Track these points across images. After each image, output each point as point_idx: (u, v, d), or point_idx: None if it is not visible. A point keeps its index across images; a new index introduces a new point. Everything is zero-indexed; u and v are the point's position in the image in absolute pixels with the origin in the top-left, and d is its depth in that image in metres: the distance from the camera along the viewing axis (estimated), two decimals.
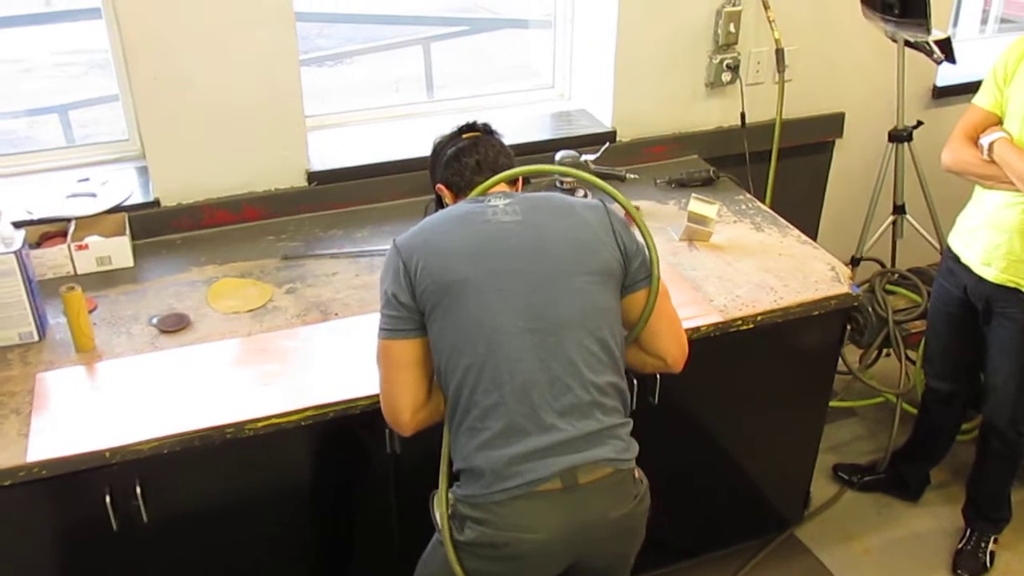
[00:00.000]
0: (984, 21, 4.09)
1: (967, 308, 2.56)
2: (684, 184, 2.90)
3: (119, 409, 1.92)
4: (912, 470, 3.02)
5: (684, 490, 2.52)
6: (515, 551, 1.67)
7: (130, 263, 2.44)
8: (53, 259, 2.37)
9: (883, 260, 3.26)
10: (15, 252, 2.05)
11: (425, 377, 1.76)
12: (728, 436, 2.53)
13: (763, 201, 3.00)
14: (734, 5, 2.94)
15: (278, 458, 2.02)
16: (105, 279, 2.38)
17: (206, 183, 2.59)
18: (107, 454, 1.82)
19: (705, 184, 2.90)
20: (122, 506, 1.87)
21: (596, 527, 1.70)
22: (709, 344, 2.25)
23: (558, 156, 2.72)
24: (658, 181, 2.91)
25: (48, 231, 2.48)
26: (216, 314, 2.25)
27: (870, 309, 2.96)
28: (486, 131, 2.00)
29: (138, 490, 1.87)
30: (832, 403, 2.91)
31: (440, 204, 1.97)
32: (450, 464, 1.76)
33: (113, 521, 1.87)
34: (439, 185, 1.96)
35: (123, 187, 2.56)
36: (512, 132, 2.91)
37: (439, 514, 1.74)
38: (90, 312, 2.18)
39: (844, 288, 2.40)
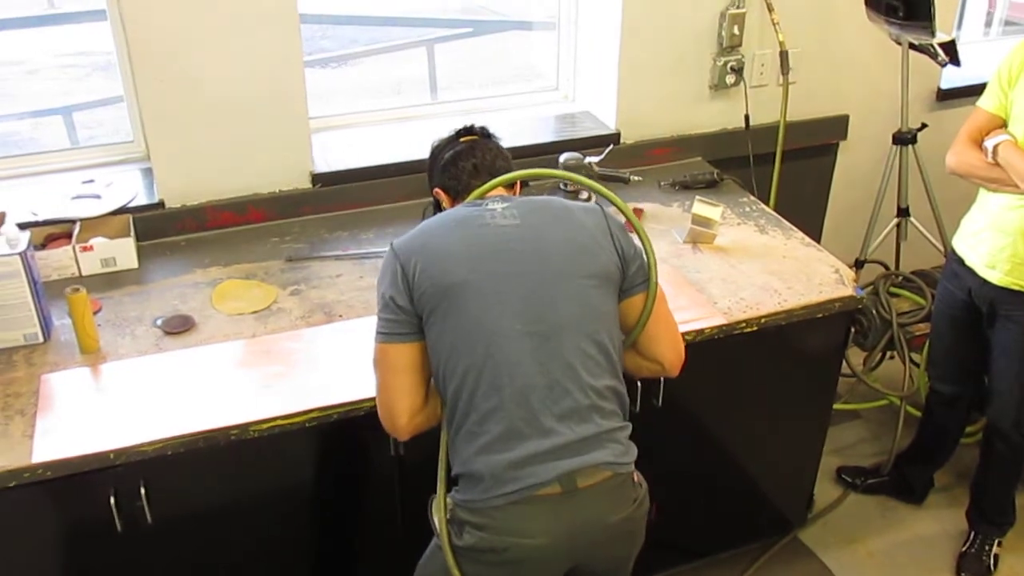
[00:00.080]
0: (988, 23, 4.09)
1: (971, 311, 2.56)
2: (688, 186, 2.90)
3: (123, 410, 1.93)
4: (916, 473, 3.01)
5: (687, 492, 2.52)
6: (514, 556, 1.66)
7: (134, 264, 2.44)
8: (58, 260, 2.38)
9: (887, 263, 3.26)
10: (20, 253, 2.05)
11: (423, 381, 1.76)
12: (731, 438, 2.53)
13: (767, 203, 2.99)
14: (738, 7, 2.94)
15: (282, 460, 2.02)
16: (110, 280, 2.39)
17: (210, 185, 2.60)
18: (111, 455, 1.82)
19: (709, 186, 2.90)
20: (126, 507, 1.88)
21: (595, 531, 1.70)
22: (713, 346, 2.25)
23: (562, 158, 2.72)
24: (662, 183, 2.91)
25: (53, 232, 2.48)
26: (220, 316, 2.25)
27: (874, 312, 2.96)
28: (484, 135, 2.00)
29: (142, 491, 1.87)
30: (836, 405, 2.91)
31: (438, 208, 1.97)
32: (448, 468, 1.76)
33: (117, 522, 1.87)
34: (437, 189, 1.96)
35: (128, 189, 2.56)
36: (516, 134, 2.94)
37: (437, 519, 1.73)
38: (95, 313, 2.18)
39: (848, 291, 2.39)
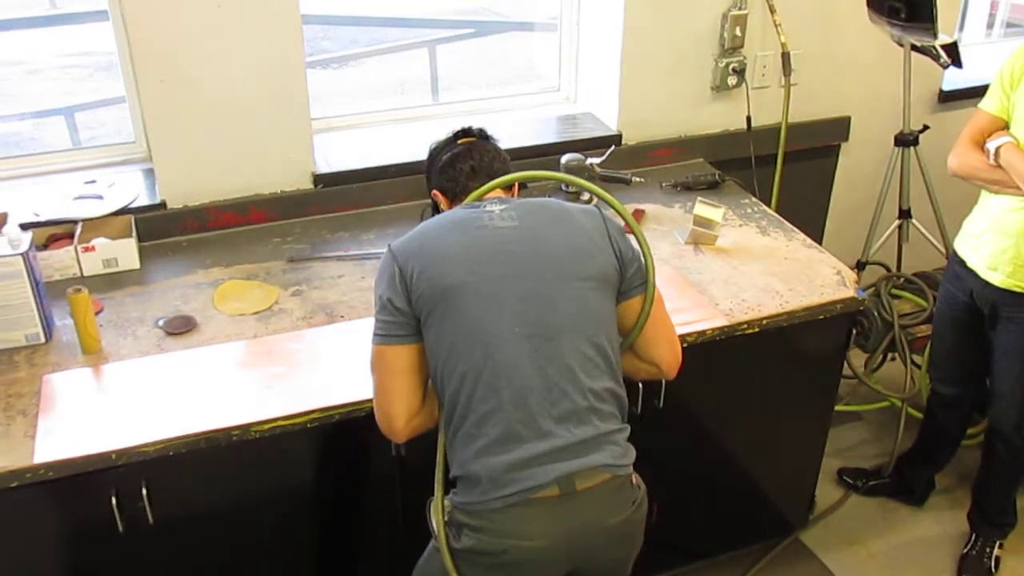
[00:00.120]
0: (990, 25, 4.09)
1: (973, 312, 2.56)
2: (690, 187, 2.90)
3: (125, 411, 1.93)
4: (917, 475, 3.01)
5: (688, 493, 2.52)
6: (512, 559, 1.66)
7: (136, 265, 2.44)
8: (60, 261, 2.38)
9: (889, 264, 3.26)
10: (22, 254, 2.05)
11: (420, 383, 1.75)
12: (733, 440, 2.53)
13: (769, 205, 3.00)
14: (740, 9, 2.94)
15: (284, 460, 2.02)
16: (111, 281, 2.39)
17: (212, 185, 2.60)
18: (113, 456, 1.83)
19: (711, 187, 2.90)
20: (128, 507, 1.88)
21: (594, 534, 1.70)
22: (714, 348, 2.25)
23: (563, 159, 2.72)
24: (664, 184, 2.91)
25: (55, 233, 2.48)
26: (222, 316, 2.25)
27: (875, 313, 2.96)
28: (481, 136, 2.00)
29: (144, 492, 1.87)
30: (837, 407, 2.91)
31: (436, 210, 1.97)
32: (446, 471, 1.76)
33: (119, 522, 1.88)
34: (434, 191, 1.96)
35: (129, 189, 2.56)
36: (518, 135, 2.94)
37: (435, 521, 1.73)
38: (96, 314, 2.18)
39: (850, 292, 2.39)
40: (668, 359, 1.89)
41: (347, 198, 2.73)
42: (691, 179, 2.92)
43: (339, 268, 2.46)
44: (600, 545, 1.72)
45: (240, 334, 2.18)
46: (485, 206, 1.79)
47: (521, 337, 1.67)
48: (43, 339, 2.13)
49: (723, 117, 3.13)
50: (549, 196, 2.67)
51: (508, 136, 2.90)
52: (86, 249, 2.39)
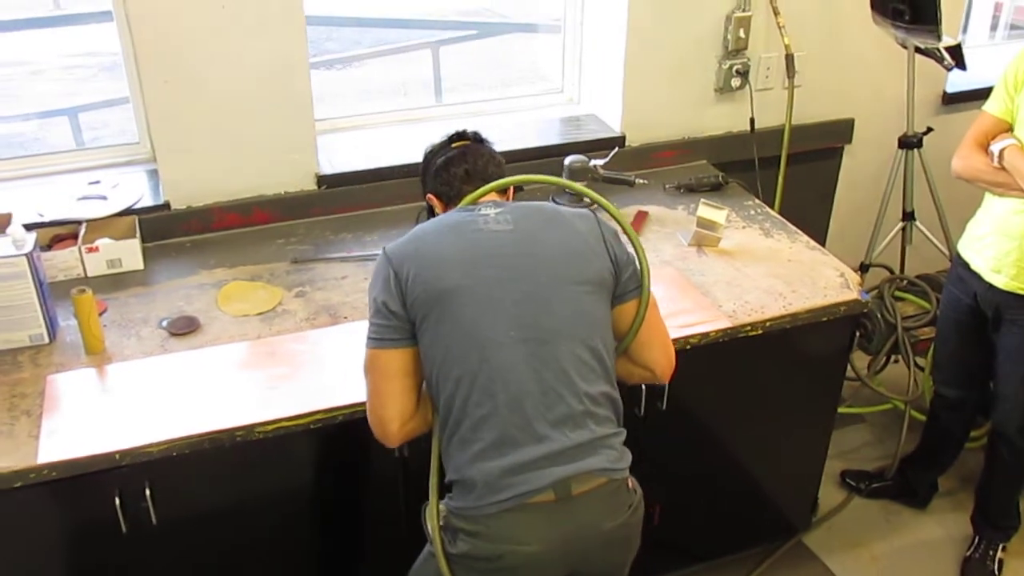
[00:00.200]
0: (994, 27, 4.08)
1: (976, 315, 2.56)
2: (693, 189, 2.90)
3: (129, 411, 1.93)
4: (920, 477, 3.01)
5: (691, 495, 2.52)
6: (508, 564, 1.66)
7: (140, 266, 2.44)
8: (64, 261, 2.38)
9: (892, 266, 3.25)
10: (26, 254, 2.05)
11: (414, 387, 1.75)
12: (736, 442, 2.53)
13: (772, 207, 3.00)
14: (744, 11, 2.94)
15: (287, 461, 2.02)
16: (115, 281, 2.39)
17: (216, 186, 2.60)
18: (117, 456, 1.83)
19: (714, 189, 2.90)
20: (131, 508, 1.88)
21: (590, 538, 1.69)
22: (717, 350, 2.25)
23: (567, 161, 2.72)
24: (667, 186, 2.91)
25: (59, 233, 2.48)
26: (226, 317, 2.25)
27: (879, 315, 2.96)
28: (476, 140, 2.00)
29: (147, 492, 1.88)
30: (840, 409, 2.91)
31: (431, 213, 1.96)
32: (441, 475, 1.75)
33: (122, 523, 1.88)
34: (429, 195, 1.96)
35: (133, 190, 2.56)
36: (521, 137, 2.95)
37: (431, 526, 1.72)
38: (100, 314, 2.18)
39: (853, 294, 2.39)
40: (662, 363, 1.88)
41: (350, 199, 2.74)
42: (694, 181, 2.92)
43: (342, 269, 2.46)
44: (596, 549, 1.72)
45: (244, 335, 2.18)
46: (480, 209, 1.79)
47: (516, 341, 1.67)
48: (47, 339, 2.14)
49: (727, 119, 3.13)
50: (552, 198, 2.69)
51: (511, 138, 2.92)
52: (90, 250, 2.39)
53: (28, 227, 2.21)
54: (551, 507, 1.64)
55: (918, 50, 2.96)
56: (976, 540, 2.82)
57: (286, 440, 1.94)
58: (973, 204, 2.54)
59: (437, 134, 2.05)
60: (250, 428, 1.90)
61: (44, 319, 2.12)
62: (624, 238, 1.83)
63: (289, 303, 2.32)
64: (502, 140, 2.88)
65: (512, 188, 1.94)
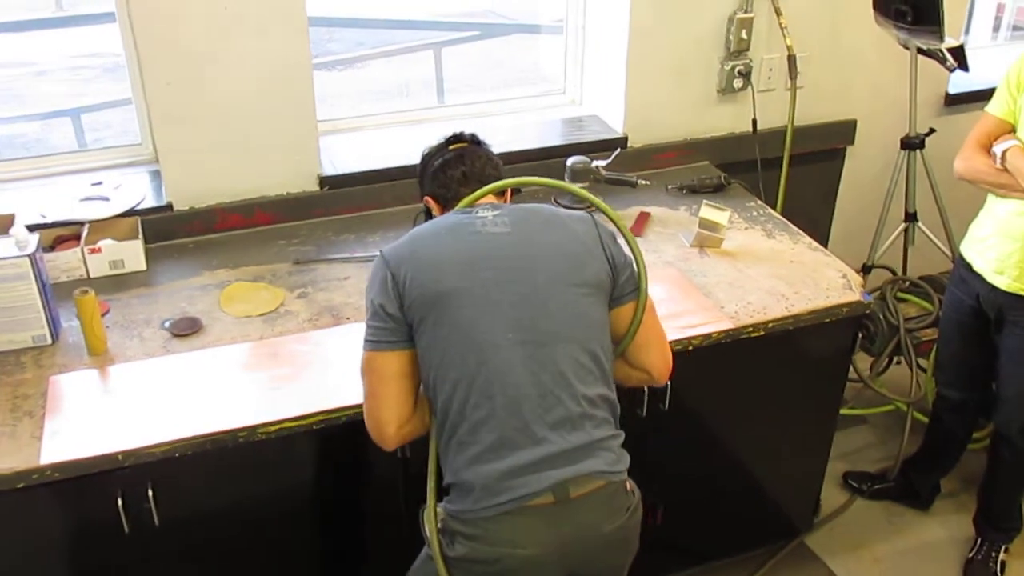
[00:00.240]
0: (996, 28, 4.08)
1: (979, 316, 2.56)
2: (695, 190, 2.89)
3: (131, 412, 1.93)
4: (922, 479, 3.01)
5: (693, 496, 2.52)
6: (507, 567, 1.65)
7: (143, 267, 2.45)
8: (66, 262, 2.38)
9: (894, 268, 3.25)
10: (29, 255, 2.06)
11: (411, 390, 1.75)
12: (738, 443, 2.53)
13: (774, 208, 2.99)
14: (746, 12, 2.94)
15: (289, 462, 2.02)
16: (118, 282, 2.39)
17: (219, 187, 2.60)
18: (119, 457, 1.83)
19: (716, 190, 2.90)
20: (134, 509, 1.88)
21: (589, 541, 1.69)
22: (720, 351, 2.25)
23: (569, 162, 2.72)
24: (669, 187, 2.91)
25: (61, 234, 2.49)
26: (228, 318, 2.25)
27: (881, 317, 2.96)
28: (473, 141, 1.99)
29: (150, 493, 1.88)
30: (842, 411, 2.91)
31: (429, 216, 1.96)
32: (439, 478, 1.75)
33: (125, 524, 1.88)
34: (426, 197, 1.96)
35: (136, 191, 2.57)
36: (523, 138, 2.95)
37: (428, 529, 1.72)
38: (103, 315, 2.18)
39: (855, 296, 2.39)
40: (659, 366, 1.88)
41: (353, 200, 2.74)
42: (697, 182, 2.91)
43: (345, 270, 2.46)
44: (595, 552, 1.71)
45: (246, 336, 2.19)
46: (477, 212, 1.78)
47: (514, 343, 1.67)
48: (49, 340, 2.14)
49: (729, 120, 3.12)
50: (554, 199, 2.69)
51: (513, 139, 2.92)
52: (93, 251, 2.39)
53: (31, 228, 2.21)
54: (549, 510, 1.64)
55: (920, 51, 2.96)
56: (978, 542, 2.82)
57: (288, 441, 1.95)
58: (975, 205, 2.54)
59: (439, 135, 2.05)
60: (252, 429, 1.91)
61: (47, 320, 2.12)
62: (622, 240, 1.83)
63: (291, 304, 2.32)
64: (504, 141, 2.89)
65: (510, 190, 1.93)
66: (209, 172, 2.57)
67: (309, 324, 2.24)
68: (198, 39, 2.41)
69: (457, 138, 1.99)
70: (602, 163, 2.75)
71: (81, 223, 2.46)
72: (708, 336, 2.23)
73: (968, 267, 2.53)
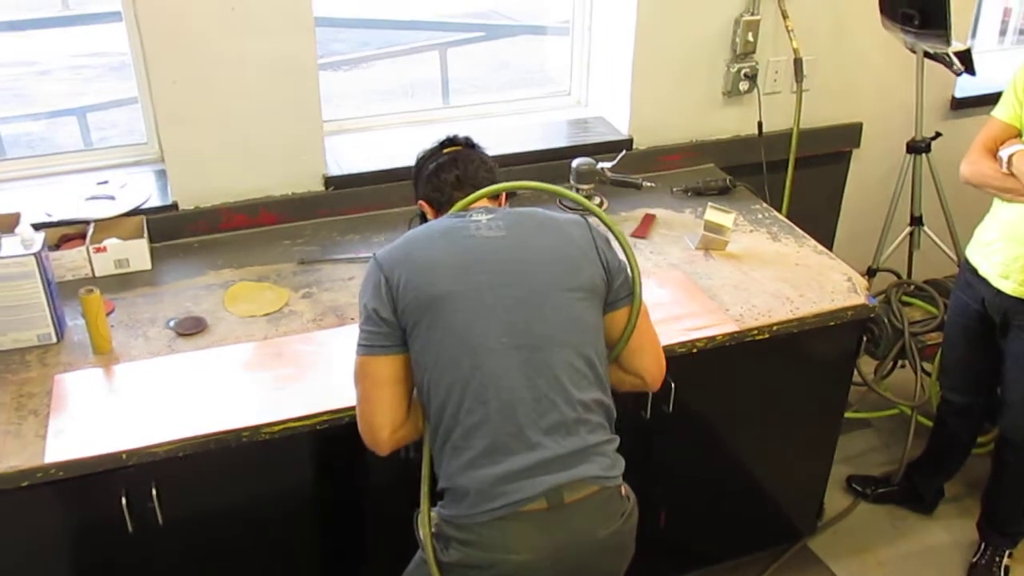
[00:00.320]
0: (1003, 32, 4.08)
1: (984, 321, 2.55)
2: (700, 193, 2.89)
3: (136, 411, 1.93)
4: (927, 483, 3.00)
5: (697, 498, 2.51)
6: (501, 572, 1.65)
7: (148, 266, 2.45)
8: (72, 261, 2.38)
9: (900, 271, 3.25)
10: (35, 254, 2.06)
11: (405, 394, 1.74)
12: (742, 445, 2.53)
13: (780, 211, 2.99)
14: (752, 14, 2.94)
15: (293, 462, 2.02)
16: (123, 281, 2.39)
17: (224, 187, 2.60)
18: (123, 456, 1.83)
19: (721, 193, 2.90)
20: (138, 508, 1.88)
21: (583, 546, 1.68)
22: (724, 353, 2.25)
23: (574, 163, 2.72)
24: (674, 189, 2.91)
25: (67, 233, 2.49)
26: (233, 318, 2.25)
27: (886, 320, 2.95)
28: (468, 145, 1.98)
29: (154, 492, 1.88)
30: (847, 414, 2.90)
31: (423, 219, 1.95)
32: (432, 483, 1.75)
33: (129, 523, 1.88)
34: (421, 201, 1.95)
35: (141, 190, 2.57)
36: (528, 139, 2.95)
37: (423, 534, 1.72)
38: (108, 314, 2.18)
39: (860, 299, 2.39)
40: (653, 370, 1.88)
41: (358, 200, 2.74)
42: (702, 184, 2.91)
43: (349, 270, 2.46)
44: (590, 557, 1.70)
45: (250, 336, 2.19)
46: (471, 215, 1.78)
47: (509, 348, 1.66)
48: (55, 339, 2.14)
49: (734, 122, 3.12)
50: (559, 202, 2.68)
51: (518, 140, 2.92)
52: (98, 250, 2.40)
53: (36, 227, 2.21)
54: (543, 515, 1.63)
55: (927, 55, 2.95)
56: (982, 546, 2.82)
57: (292, 441, 1.95)
58: (981, 209, 2.54)
59: (444, 136, 2.05)
60: (256, 429, 1.91)
61: (52, 319, 2.12)
62: (616, 244, 1.83)
63: (296, 304, 2.32)
64: (509, 142, 2.90)
65: (504, 194, 1.92)
66: (215, 172, 2.58)
67: (313, 324, 2.24)
68: (205, 39, 2.41)
69: (451, 141, 1.98)
70: (607, 165, 2.74)
71: (86, 222, 2.47)
72: (712, 339, 2.22)
73: (973, 271, 2.52)
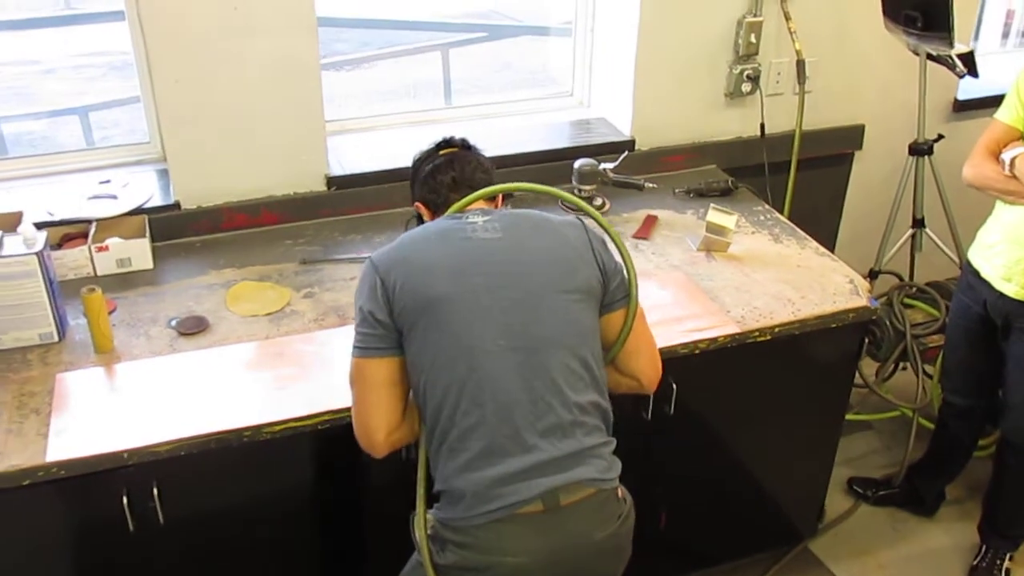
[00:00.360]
0: (1005, 35, 4.07)
1: (986, 323, 2.55)
2: (702, 194, 2.89)
3: (137, 410, 1.93)
4: (928, 485, 3.00)
5: (698, 500, 2.51)
6: (497, 574, 1.64)
7: (150, 265, 2.45)
8: (74, 260, 2.39)
9: (901, 273, 3.24)
10: (37, 253, 2.06)
11: (401, 396, 1.74)
12: (743, 447, 2.53)
13: (782, 212, 2.99)
14: (755, 16, 2.93)
15: (294, 461, 2.03)
16: (125, 281, 2.39)
17: (226, 186, 2.61)
18: (125, 455, 1.83)
19: (723, 194, 2.90)
20: (139, 507, 1.88)
21: (579, 549, 1.68)
22: (725, 355, 2.25)
23: (576, 164, 2.72)
24: (676, 191, 2.91)
25: (69, 232, 2.49)
26: (234, 317, 2.25)
27: (888, 322, 2.95)
28: (464, 146, 1.98)
29: (155, 491, 1.88)
30: (848, 416, 2.90)
31: (420, 221, 1.95)
32: (429, 485, 1.75)
33: (130, 522, 1.88)
34: (417, 203, 1.95)
35: (143, 189, 2.57)
36: (530, 140, 2.95)
37: (419, 536, 1.71)
38: (110, 313, 2.18)
39: (862, 301, 2.39)
40: (649, 373, 1.87)
41: (360, 200, 2.74)
42: (704, 185, 2.91)
43: (351, 270, 2.46)
44: (586, 560, 1.70)
45: (252, 335, 2.19)
46: (468, 217, 1.77)
47: (505, 350, 1.66)
48: (56, 338, 2.14)
49: (737, 124, 3.12)
50: (561, 205, 2.68)
51: (520, 141, 2.93)
52: (100, 249, 2.40)
53: (38, 226, 2.22)
54: (540, 518, 1.63)
55: (930, 57, 2.95)
56: (983, 549, 2.81)
57: (293, 440, 1.95)
58: (983, 212, 2.54)
59: (440, 137, 2.05)
60: (258, 428, 1.91)
61: (54, 318, 2.12)
62: (612, 246, 1.82)
63: (297, 304, 2.32)
64: (511, 143, 2.90)
65: (501, 195, 1.92)
66: (217, 171, 2.58)
67: (315, 324, 2.24)
68: (207, 38, 2.41)
69: (448, 143, 1.98)
70: (610, 166, 2.74)
71: (89, 221, 2.47)
72: (714, 340, 2.22)
73: (975, 273, 2.52)
